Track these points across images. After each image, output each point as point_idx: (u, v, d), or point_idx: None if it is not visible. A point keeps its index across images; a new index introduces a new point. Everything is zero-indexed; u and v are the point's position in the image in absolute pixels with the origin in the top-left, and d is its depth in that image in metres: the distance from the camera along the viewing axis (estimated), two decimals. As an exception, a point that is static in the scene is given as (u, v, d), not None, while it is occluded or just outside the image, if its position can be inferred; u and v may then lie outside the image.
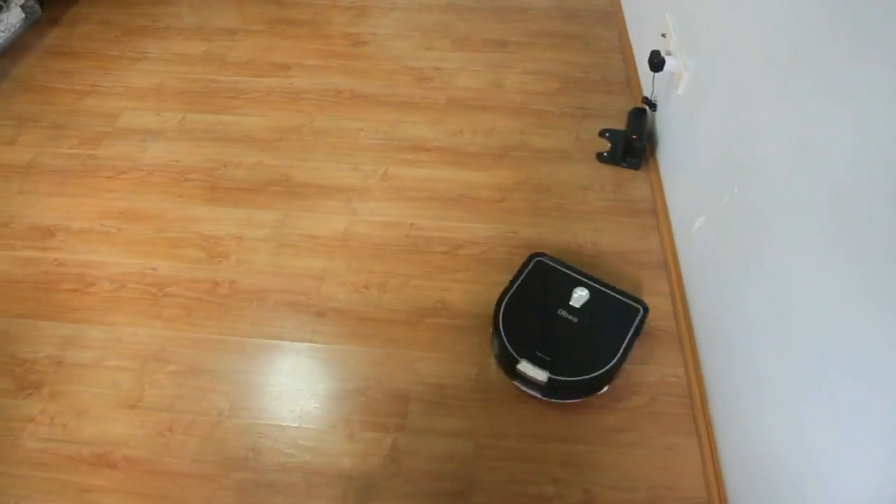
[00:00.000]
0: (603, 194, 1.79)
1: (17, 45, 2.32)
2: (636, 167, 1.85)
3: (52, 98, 2.11)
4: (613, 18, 2.42)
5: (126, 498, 1.26)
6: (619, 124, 1.98)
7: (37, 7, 2.43)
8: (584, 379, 1.32)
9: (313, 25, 2.40)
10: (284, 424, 1.36)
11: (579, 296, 1.44)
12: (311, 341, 1.48)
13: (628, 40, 2.24)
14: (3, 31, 2.29)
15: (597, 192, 1.79)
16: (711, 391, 1.33)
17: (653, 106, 1.86)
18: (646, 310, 1.43)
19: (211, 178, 1.83)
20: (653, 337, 1.48)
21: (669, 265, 1.60)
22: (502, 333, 1.38)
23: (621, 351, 1.35)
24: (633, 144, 1.81)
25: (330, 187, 1.80)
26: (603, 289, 1.46)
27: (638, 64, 2.11)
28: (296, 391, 1.41)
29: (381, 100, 2.08)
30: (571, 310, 1.42)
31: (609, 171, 1.85)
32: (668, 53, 1.70)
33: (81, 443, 1.33)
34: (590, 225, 1.71)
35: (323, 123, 2.00)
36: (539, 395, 1.36)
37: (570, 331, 1.39)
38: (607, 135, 1.94)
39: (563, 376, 1.32)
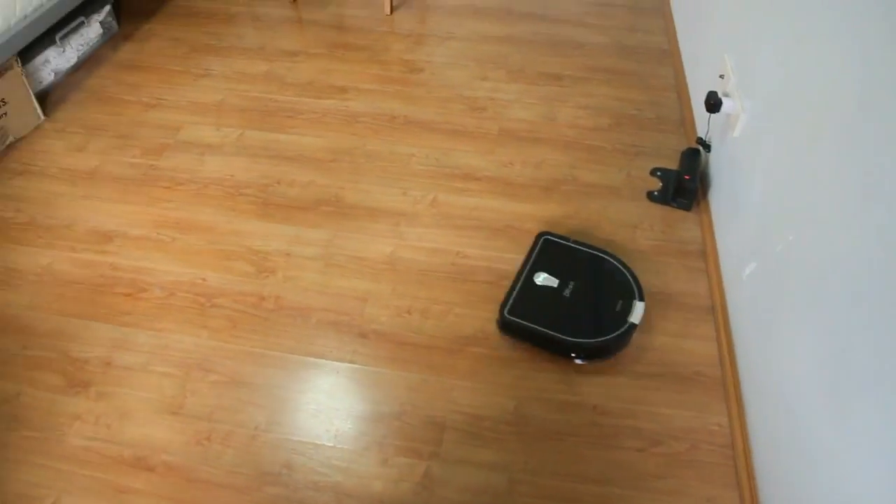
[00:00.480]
0: (652, 233, 1.77)
1: (94, 58, 2.43)
2: (687, 208, 1.83)
3: (121, 109, 2.20)
4: (670, 57, 2.41)
5: (161, 502, 1.28)
6: (672, 163, 1.97)
7: (114, 23, 2.55)
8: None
9: (371, 51, 2.46)
10: (319, 443, 1.37)
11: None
12: (350, 362, 1.50)
13: (684, 79, 2.23)
14: (82, 45, 2.41)
15: (645, 231, 1.78)
16: (756, 443, 1.29)
17: (707, 147, 1.84)
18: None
19: (264, 195, 1.88)
20: (696, 382, 1.45)
21: (717, 309, 1.57)
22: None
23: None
24: (684, 185, 1.80)
25: (379, 210, 1.83)
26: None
27: (693, 103, 2.09)
28: (332, 410, 1.42)
29: (434, 127, 2.11)
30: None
31: (659, 211, 1.83)
32: (726, 95, 1.68)
33: (123, 444, 1.36)
34: (637, 264, 1.69)
35: (376, 147, 2.03)
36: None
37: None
38: (659, 174, 1.92)
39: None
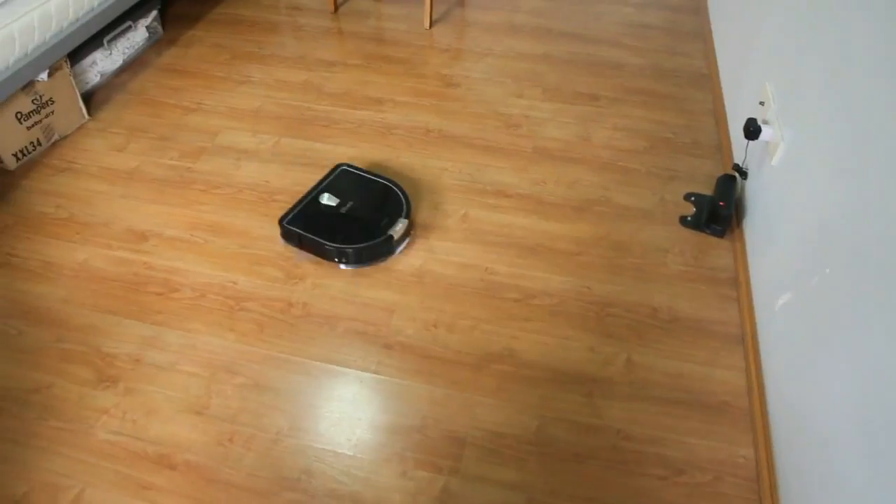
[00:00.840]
0: (683, 259, 1.75)
1: (138, 62, 2.49)
2: (720, 235, 1.81)
3: (161, 112, 2.25)
4: (709, 82, 2.40)
5: (181, 500, 1.29)
6: (706, 189, 1.95)
7: (159, 28, 2.62)
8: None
9: (409, 64, 2.48)
10: (339, 451, 1.37)
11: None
12: (375, 372, 1.50)
13: (723, 105, 2.21)
14: (128, 48, 2.47)
15: (677, 256, 1.76)
16: (783, 479, 1.26)
17: (743, 174, 1.82)
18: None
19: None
20: (723, 412, 1.43)
21: (747, 340, 1.54)
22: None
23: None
24: (719, 211, 1.78)
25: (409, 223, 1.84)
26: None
27: (731, 129, 2.07)
28: (354, 420, 1.42)
29: (468, 142, 2.12)
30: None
31: (691, 237, 1.81)
32: (765, 122, 1.67)
33: (147, 441, 1.38)
34: (667, 289, 1.68)
35: (409, 159, 2.05)
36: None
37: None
38: (693, 199, 1.91)
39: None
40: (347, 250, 1.69)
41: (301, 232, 1.73)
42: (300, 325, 1.59)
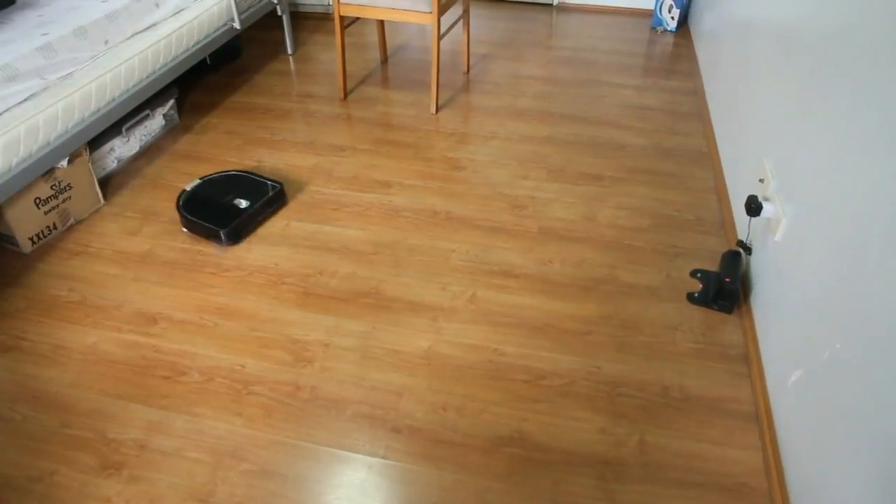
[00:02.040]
0: (692, 336, 1.74)
1: (154, 147, 2.58)
2: (728, 311, 1.81)
3: (175, 196, 2.30)
4: (709, 160, 2.45)
5: None
6: (712, 265, 1.96)
7: (176, 116, 2.72)
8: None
9: (416, 148, 2.56)
10: (347, 541, 1.33)
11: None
12: (383, 457, 1.47)
13: (724, 182, 2.25)
14: (145, 135, 2.56)
15: (686, 334, 1.75)
16: (807, 567, 1.21)
17: (748, 250, 1.84)
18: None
19: (305, 284, 1.92)
20: (741, 494, 1.39)
21: (762, 417, 1.51)
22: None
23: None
24: (725, 287, 1.78)
25: (418, 304, 1.85)
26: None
27: (733, 206, 2.11)
28: (363, 507, 1.39)
29: (475, 223, 2.15)
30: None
31: (699, 313, 1.81)
32: (766, 199, 1.69)
33: (150, 533, 1.34)
34: (677, 367, 1.66)
35: (417, 241, 2.08)
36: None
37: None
38: (699, 275, 1.92)
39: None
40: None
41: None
42: (308, 409, 1.58)
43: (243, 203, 2.14)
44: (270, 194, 2.19)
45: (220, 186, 2.25)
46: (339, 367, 1.67)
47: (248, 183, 2.26)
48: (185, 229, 2.14)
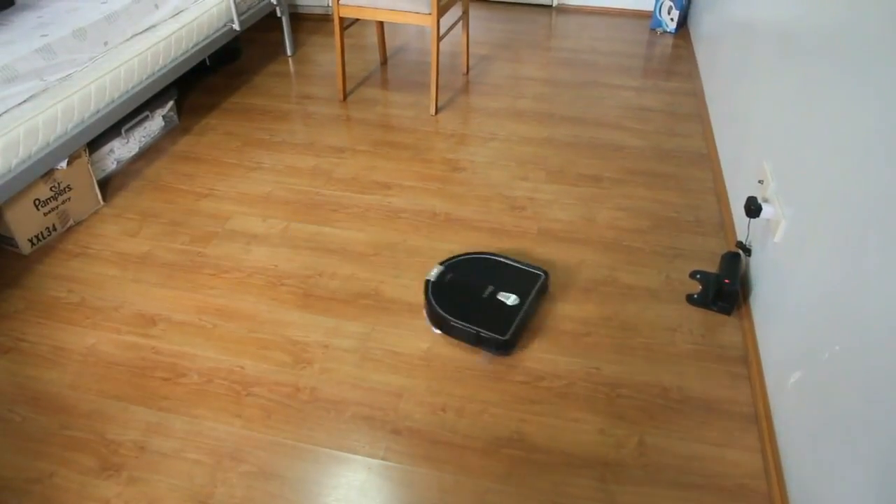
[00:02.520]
0: (691, 338, 1.74)
1: (153, 149, 2.58)
2: (727, 312, 1.81)
3: (174, 198, 2.30)
4: (708, 161, 2.45)
5: None
6: (711, 267, 1.96)
7: (175, 117, 2.72)
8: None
9: (415, 150, 2.56)
10: (347, 543, 1.33)
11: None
12: (383, 458, 1.47)
13: (723, 183, 2.26)
14: (145, 137, 2.56)
15: (685, 335, 1.75)
16: (807, 569, 1.21)
17: (747, 251, 1.84)
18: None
19: (305, 286, 1.92)
20: (740, 496, 1.39)
21: (761, 419, 1.51)
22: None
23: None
24: (725, 288, 1.78)
25: (417, 305, 1.85)
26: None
27: (733, 207, 2.11)
28: (362, 509, 1.39)
29: (474, 225, 2.15)
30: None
31: (698, 315, 1.81)
32: (765, 200, 1.70)
33: (149, 535, 1.34)
34: (676, 368, 1.66)
35: (416, 243, 2.08)
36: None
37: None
38: (698, 276, 1.92)
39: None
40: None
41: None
42: (307, 411, 1.58)
43: (510, 298, 1.74)
44: (538, 285, 1.80)
45: (470, 274, 1.84)
46: (339, 368, 1.67)
47: (502, 270, 1.85)
48: (436, 329, 1.76)
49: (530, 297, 1.75)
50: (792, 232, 1.55)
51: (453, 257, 1.87)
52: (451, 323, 1.68)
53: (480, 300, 1.74)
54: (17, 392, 1.63)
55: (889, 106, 1.14)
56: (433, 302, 1.73)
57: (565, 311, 1.82)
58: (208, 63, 3.16)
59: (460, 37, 3.56)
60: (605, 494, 1.40)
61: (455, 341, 1.72)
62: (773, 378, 1.53)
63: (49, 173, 2.05)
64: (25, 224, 2.02)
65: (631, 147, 2.55)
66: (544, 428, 1.53)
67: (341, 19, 2.73)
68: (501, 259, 1.86)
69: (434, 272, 1.79)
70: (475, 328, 1.67)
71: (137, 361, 1.70)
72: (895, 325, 1.02)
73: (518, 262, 1.84)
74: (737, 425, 1.53)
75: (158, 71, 2.44)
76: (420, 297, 1.87)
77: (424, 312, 1.77)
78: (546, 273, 1.81)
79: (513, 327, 1.68)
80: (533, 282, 1.79)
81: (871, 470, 1.03)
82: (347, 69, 3.21)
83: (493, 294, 1.74)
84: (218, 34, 2.76)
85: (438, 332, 1.71)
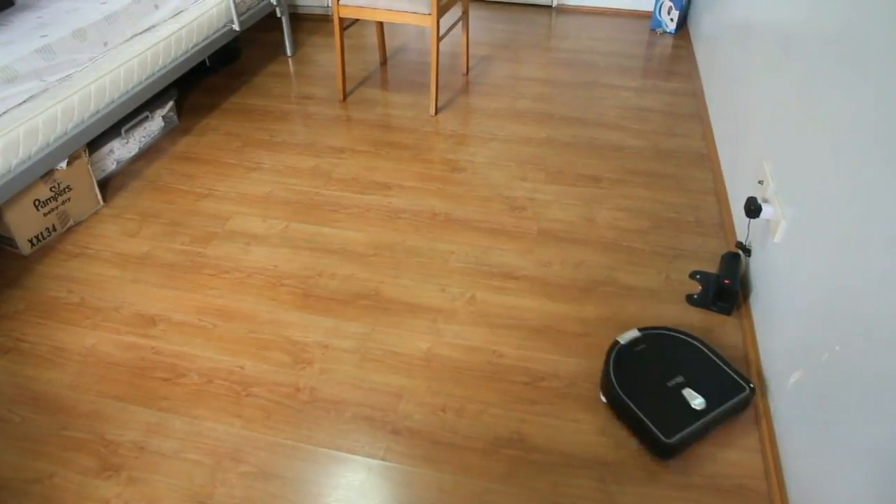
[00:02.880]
0: (691, 338, 1.74)
1: (153, 149, 2.58)
2: (727, 312, 1.81)
3: (174, 198, 2.30)
4: (708, 161, 2.45)
5: None
6: (711, 267, 1.96)
7: (175, 118, 2.72)
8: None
9: (415, 150, 2.56)
10: (347, 543, 1.33)
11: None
12: (382, 459, 1.47)
13: (723, 184, 2.26)
14: (144, 137, 2.56)
15: (685, 335, 1.75)
16: (807, 569, 1.21)
17: (747, 251, 1.84)
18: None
19: (305, 286, 1.92)
20: (740, 496, 1.39)
21: (761, 419, 1.51)
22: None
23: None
24: (725, 289, 1.78)
25: (417, 306, 1.85)
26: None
27: (733, 207, 2.11)
28: (362, 509, 1.39)
29: (474, 225, 2.15)
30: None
31: (699, 315, 1.81)
32: (765, 201, 1.70)
33: (149, 535, 1.34)
34: (704, 436, 1.65)
35: (416, 243, 2.08)
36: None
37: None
38: (698, 277, 1.91)
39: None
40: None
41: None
42: (307, 411, 1.57)
43: (697, 400, 1.46)
44: (738, 398, 1.49)
45: (665, 352, 1.59)
46: (339, 368, 1.67)
47: (705, 366, 1.56)
48: (604, 399, 1.57)
49: (720, 408, 1.47)
50: (792, 232, 1.55)
51: (652, 327, 1.65)
52: (622, 401, 1.49)
53: (660, 386, 1.51)
54: (16, 392, 1.63)
55: (889, 106, 1.14)
56: (611, 370, 1.54)
57: (565, 312, 1.82)
58: (208, 63, 3.16)
59: (460, 37, 3.56)
60: (604, 495, 1.40)
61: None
62: (773, 378, 1.53)
63: (49, 174, 2.05)
64: (25, 224, 2.02)
65: (631, 147, 2.55)
66: (544, 428, 1.53)
67: (341, 19, 2.73)
68: (706, 351, 1.59)
69: (627, 336, 1.59)
70: (642, 417, 1.45)
71: (137, 362, 1.70)
72: (895, 326, 1.02)
73: (725, 362, 1.57)
74: (737, 426, 1.53)
75: (158, 71, 2.44)
76: (421, 298, 1.87)
77: (601, 376, 1.61)
78: (753, 388, 1.51)
79: (682, 433, 1.42)
80: (732, 392, 1.50)
81: (871, 470, 1.03)
82: (347, 69, 3.22)
83: (678, 386, 1.50)
84: (218, 34, 2.77)
85: (604, 401, 1.56)
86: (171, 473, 1.45)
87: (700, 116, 2.75)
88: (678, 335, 1.63)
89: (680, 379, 1.52)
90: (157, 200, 2.30)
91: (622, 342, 1.59)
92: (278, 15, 3.24)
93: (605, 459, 1.46)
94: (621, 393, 1.49)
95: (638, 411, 1.46)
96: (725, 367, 1.55)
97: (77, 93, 2.08)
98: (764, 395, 1.54)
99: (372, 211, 2.22)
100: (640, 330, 1.63)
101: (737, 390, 1.50)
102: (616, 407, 1.53)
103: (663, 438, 1.41)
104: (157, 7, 2.49)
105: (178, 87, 3.01)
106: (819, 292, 1.34)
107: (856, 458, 1.09)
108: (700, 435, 1.46)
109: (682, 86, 3.02)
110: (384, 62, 3.29)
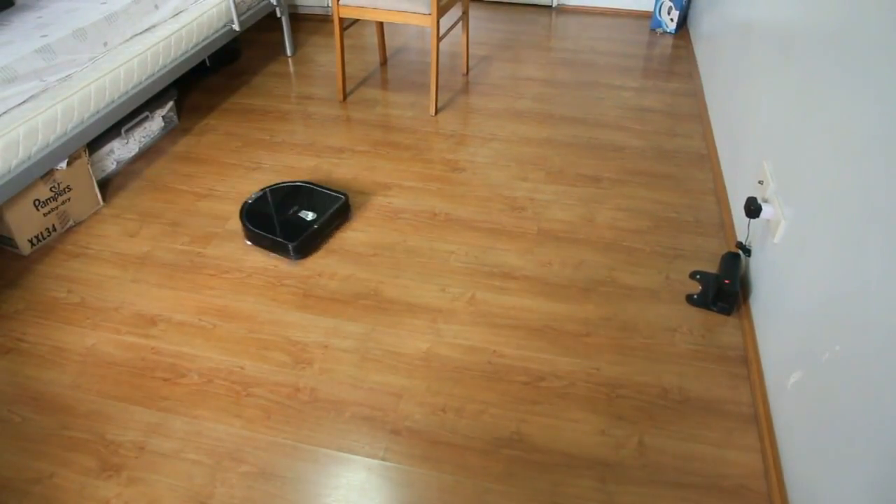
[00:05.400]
0: (691, 338, 1.74)
1: (153, 150, 2.58)
2: (727, 312, 1.81)
3: (174, 198, 2.30)
4: (708, 162, 2.45)
5: None
6: (711, 267, 1.96)
7: (175, 118, 2.72)
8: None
9: (415, 150, 2.56)
10: (347, 543, 1.33)
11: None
12: (382, 459, 1.47)
13: (723, 184, 2.26)
14: (144, 137, 2.56)
15: (685, 336, 1.75)
16: (807, 569, 1.21)
17: (747, 251, 1.84)
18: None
19: (305, 286, 1.92)
20: (740, 496, 1.39)
21: (761, 419, 1.51)
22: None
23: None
24: (725, 289, 1.78)
25: (417, 306, 1.85)
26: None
27: (733, 208, 2.11)
28: (362, 509, 1.39)
29: (474, 225, 2.15)
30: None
31: (698, 315, 1.81)
32: (765, 201, 1.70)
33: (149, 535, 1.34)
34: (676, 368, 1.66)
35: (416, 243, 2.08)
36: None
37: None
38: (698, 277, 1.92)
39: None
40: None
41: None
42: (307, 411, 1.58)
43: (309, 216, 2.07)
44: (336, 206, 2.12)
45: (284, 196, 2.19)
46: (339, 368, 1.67)
47: (312, 195, 2.19)
48: (248, 241, 2.08)
49: (326, 215, 2.07)
50: (792, 232, 1.55)
51: (272, 185, 2.24)
52: (259, 235, 2.03)
53: (286, 217, 2.08)
54: (16, 392, 1.63)
55: (889, 106, 1.14)
56: (246, 220, 2.08)
57: (565, 312, 1.82)
58: (208, 63, 3.16)
59: (460, 37, 3.56)
60: (604, 495, 1.40)
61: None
62: (772, 378, 1.53)
63: (49, 174, 2.05)
64: (25, 224, 2.02)
65: (631, 147, 2.55)
66: (544, 428, 1.53)
67: (341, 20, 2.73)
68: (311, 186, 2.21)
69: (252, 195, 2.16)
70: (274, 238, 2.00)
71: (137, 362, 1.70)
72: (895, 326, 1.03)
73: (327, 188, 2.20)
74: (736, 425, 1.53)
75: (158, 71, 2.44)
76: (421, 298, 1.87)
77: (243, 232, 2.09)
78: (346, 195, 2.15)
79: (303, 236, 2.00)
80: (332, 203, 2.12)
81: (871, 469, 1.03)
82: (347, 69, 3.22)
83: (296, 213, 2.09)
84: (218, 34, 2.77)
85: (249, 244, 2.07)
86: (171, 473, 1.45)
87: (700, 116, 2.75)
88: (287, 184, 2.24)
89: (295, 208, 2.12)
90: (157, 200, 2.30)
91: (249, 201, 2.15)
92: (278, 15, 3.24)
93: (606, 459, 1.46)
94: (257, 230, 2.04)
95: (271, 236, 2.01)
96: (325, 191, 2.20)
97: (77, 93, 2.08)
98: (764, 394, 1.54)
99: (372, 211, 2.22)
100: (261, 190, 2.22)
101: (336, 201, 2.14)
102: (261, 243, 2.05)
103: (290, 244, 1.98)
104: (157, 7, 2.49)
105: (178, 87, 3.01)
106: (819, 292, 1.34)
107: (856, 456, 1.09)
108: (318, 238, 2.06)
109: (682, 86, 3.02)
110: (384, 62, 3.29)
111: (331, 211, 2.10)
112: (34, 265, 2.02)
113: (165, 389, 1.63)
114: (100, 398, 1.61)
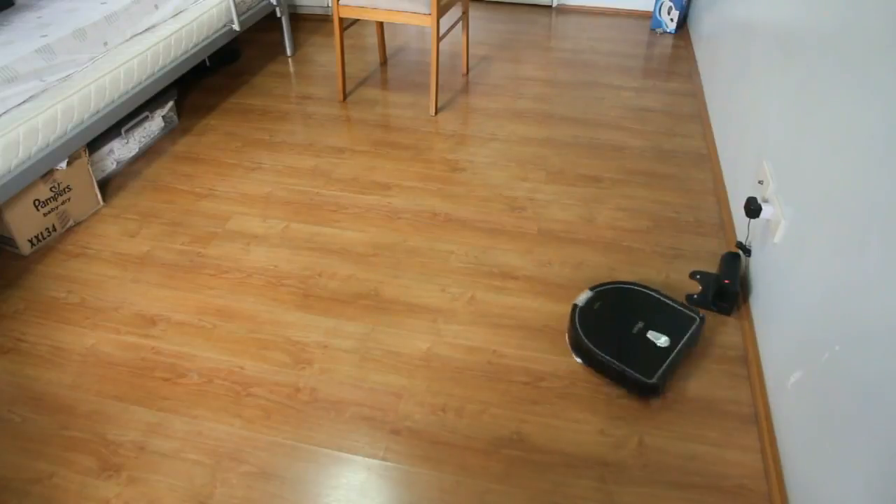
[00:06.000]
0: (691, 338, 1.74)
1: (153, 149, 2.58)
2: (727, 312, 1.81)
3: (174, 198, 2.30)
4: (708, 161, 2.45)
5: None
6: (711, 267, 1.96)
7: (175, 118, 2.72)
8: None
9: (415, 150, 2.56)
10: (347, 543, 1.33)
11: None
12: (382, 459, 1.47)
13: (723, 184, 2.26)
14: (144, 137, 2.56)
15: (685, 335, 1.75)
16: (807, 569, 1.21)
17: (747, 251, 1.84)
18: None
19: (305, 286, 1.92)
20: (740, 496, 1.39)
21: (761, 419, 1.51)
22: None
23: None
24: (725, 289, 1.78)
25: (417, 306, 1.85)
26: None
27: (732, 207, 2.11)
28: (362, 509, 1.39)
29: (474, 225, 2.15)
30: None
31: (699, 315, 1.81)
32: (765, 201, 1.70)
33: (149, 536, 1.34)
34: (676, 368, 1.66)
35: (416, 243, 2.08)
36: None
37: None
38: (698, 277, 1.92)
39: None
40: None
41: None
42: (307, 411, 1.57)
43: (662, 339, 1.62)
44: (692, 328, 1.67)
45: (620, 304, 1.73)
46: (339, 368, 1.67)
47: (655, 307, 1.73)
48: (579, 360, 1.67)
49: (683, 341, 1.63)
50: (792, 232, 1.55)
51: (603, 284, 1.77)
52: (597, 356, 1.60)
53: (627, 336, 1.64)
54: (16, 392, 1.63)
55: (889, 106, 1.14)
56: (579, 329, 1.65)
57: (565, 312, 1.82)
58: (208, 63, 3.16)
59: (460, 37, 3.56)
60: (604, 495, 1.40)
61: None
62: (772, 378, 1.53)
63: (49, 174, 2.05)
64: (25, 224, 2.02)
65: (631, 147, 2.55)
66: (544, 428, 1.53)
67: (341, 20, 2.73)
68: (654, 294, 1.75)
69: (583, 297, 1.69)
70: (621, 366, 1.57)
71: (137, 362, 1.70)
72: (895, 326, 1.02)
73: (673, 300, 1.73)
74: (736, 425, 1.53)
75: (158, 71, 2.44)
76: (421, 298, 1.87)
77: (566, 337, 1.71)
78: (702, 318, 1.69)
79: (661, 371, 1.57)
80: (687, 325, 1.67)
81: (871, 469, 1.03)
82: (347, 69, 3.22)
83: (643, 332, 1.63)
84: (218, 34, 2.77)
85: (579, 360, 1.65)
86: (171, 473, 1.45)
87: (700, 116, 2.75)
88: (626, 286, 1.78)
89: (640, 324, 1.67)
90: (157, 200, 2.30)
91: (580, 304, 1.71)
92: (278, 15, 3.24)
93: (606, 459, 1.46)
94: (595, 349, 1.61)
95: (616, 362, 1.58)
96: (675, 305, 1.73)
97: (77, 93, 2.08)
98: (764, 394, 1.54)
99: (372, 211, 2.22)
100: (591, 289, 1.77)
101: (691, 322, 1.69)
102: (594, 364, 1.63)
103: (646, 380, 1.55)
104: (157, 7, 2.49)
105: (178, 87, 3.01)
106: (819, 292, 1.34)
107: (856, 458, 1.09)
108: (674, 369, 1.61)
109: (682, 86, 3.02)
110: (384, 62, 3.29)
111: (687, 335, 1.65)
112: (34, 265, 2.02)
113: (165, 389, 1.63)
114: (100, 398, 1.61)
